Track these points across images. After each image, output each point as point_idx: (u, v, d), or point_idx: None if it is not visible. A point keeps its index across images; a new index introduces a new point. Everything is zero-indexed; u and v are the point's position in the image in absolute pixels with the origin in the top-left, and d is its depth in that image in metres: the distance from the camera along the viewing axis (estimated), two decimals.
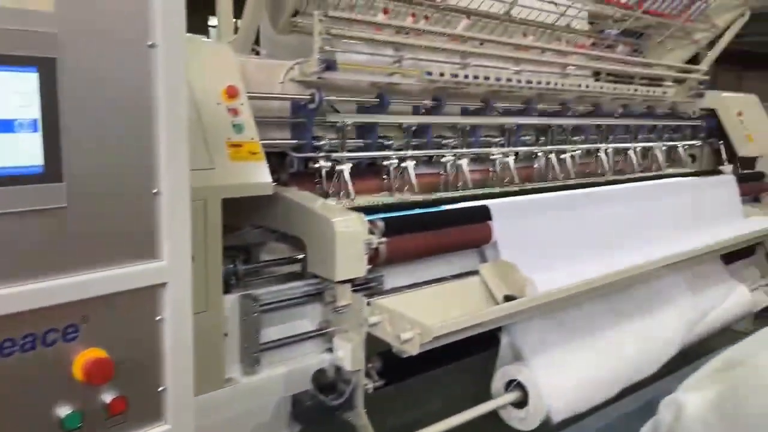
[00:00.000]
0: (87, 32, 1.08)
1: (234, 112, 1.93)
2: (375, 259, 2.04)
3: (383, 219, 2.11)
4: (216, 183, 1.79)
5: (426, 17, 2.95)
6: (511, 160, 3.17)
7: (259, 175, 1.92)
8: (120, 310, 1.15)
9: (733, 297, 3.71)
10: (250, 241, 2.22)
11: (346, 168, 2.48)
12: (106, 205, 1.12)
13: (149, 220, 1.17)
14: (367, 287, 2.18)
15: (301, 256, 2.09)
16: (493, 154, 3.12)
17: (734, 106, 4.40)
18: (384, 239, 2.02)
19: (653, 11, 3.78)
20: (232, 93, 1.94)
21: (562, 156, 3.46)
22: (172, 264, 1.22)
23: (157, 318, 1.23)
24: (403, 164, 2.72)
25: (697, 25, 4.26)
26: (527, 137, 3.37)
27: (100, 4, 1.08)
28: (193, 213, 1.73)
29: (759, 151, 4.35)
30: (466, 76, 2.79)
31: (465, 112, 3.04)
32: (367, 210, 2.20)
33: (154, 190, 1.17)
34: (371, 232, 2.00)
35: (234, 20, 2.49)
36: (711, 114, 4.44)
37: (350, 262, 1.95)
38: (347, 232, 1.94)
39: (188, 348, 1.24)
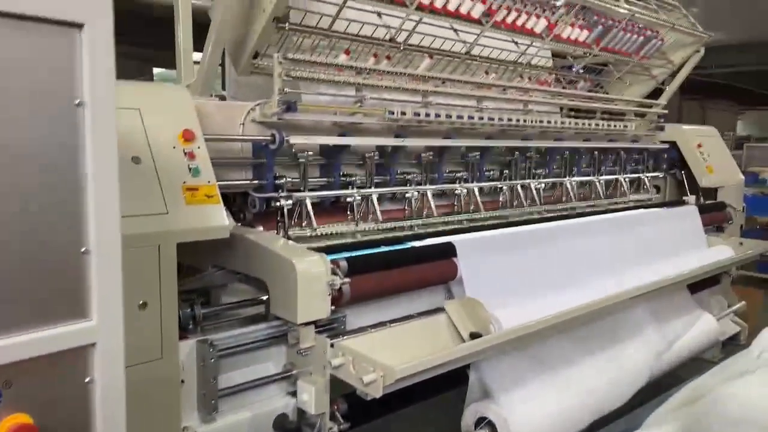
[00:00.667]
0: (7, 89, 1.05)
1: (190, 155, 1.93)
2: (339, 299, 2.02)
3: (346, 258, 2.10)
4: (170, 228, 1.77)
5: (388, 57, 3.00)
6: (475, 189, 3.20)
7: (216, 219, 1.90)
8: (46, 373, 1.10)
9: (699, 326, 3.75)
10: (213, 283, 2.20)
11: (308, 204, 2.48)
12: (31, 265, 1.09)
13: (77, 279, 1.14)
14: (331, 328, 2.16)
15: (264, 298, 2.06)
16: (457, 190, 3.15)
17: (694, 139, 4.52)
18: (347, 280, 2.00)
19: (610, 49, 3.90)
20: (188, 136, 1.94)
21: (527, 189, 3.51)
22: (102, 323, 1.18)
23: (87, 379, 1.18)
24: (367, 197, 2.73)
25: (654, 61, 4.40)
26: (491, 172, 3.41)
27: (24, 61, 1.05)
28: (147, 258, 1.74)
29: (719, 182, 4.46)
30: (428, 115, 2.83)
31: (428, 148, 3.07)
32: (330, 249, 2.19)
33: (83, 249, 1.13)
34: (334, 273, 1.98)
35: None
36: (672, 146, 4.56)
37: (313, 304, 1.93)
38: (309, 273, 1.91)
39: (121, 408, 1.20)
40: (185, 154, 1.92)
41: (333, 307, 2.01)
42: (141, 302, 1.72)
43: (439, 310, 2.44)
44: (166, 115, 1.94)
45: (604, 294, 2.89)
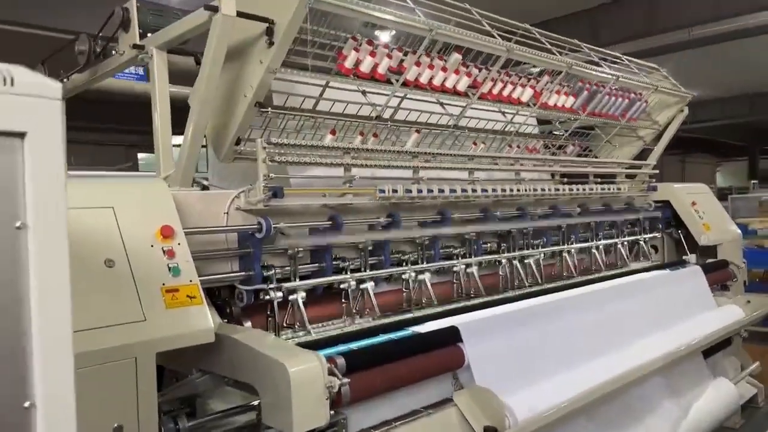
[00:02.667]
0: None
1: (170, 253, 1.78)
2: (338, 402, 1.81)
3: (344, 354, 1.92)
4: (148, 337, 1.60)
5: (375, 134, 2.92)
6: (474, 269, 3.06)
7: (199, 322, 1.73)
8: None
9: (717, 392, 3.56)
10: (199, 389, 1.99)
11: (299, 297, 2.32)
12: None
13: None
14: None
15: (255, 403, 1.86)
16: (455, 266, 3.01)
17: (687, 197, 4.47)
18: (346, 380, 1.80)
19: (597, 113, 3.88)
20: (166, 233, 1.79)
21: (526, 261, 3.38)
22: None
23: None
24: (362, 285, 2.58)
25: (640, 123, 4.40)
26: (488, 245, 3.29)
27: None
28: (122, 374, 1.55)
29: (718, 239, 4.37)
30: (420, 191, 2.73)
31: (422, 225, 2.95)
32: (325, 343, 2.02)
33: (26, 403, 0.91)
34: (331, 373, 1.78)
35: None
36: (666, 204, 4.49)
37: (310, 411, 1.71)
38: (304, 376, 1.70)
39: None
40: (164, 252, 1.77)
41: (332, 411, 1.81)
42: (115, 426, 1.52)
43: (447, 401, 2.25)
44: (143, 212, 1.80)
45: (619, 368, 2.72)
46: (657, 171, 4.49)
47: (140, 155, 11.24)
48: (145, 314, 1.63)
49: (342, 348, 2.03)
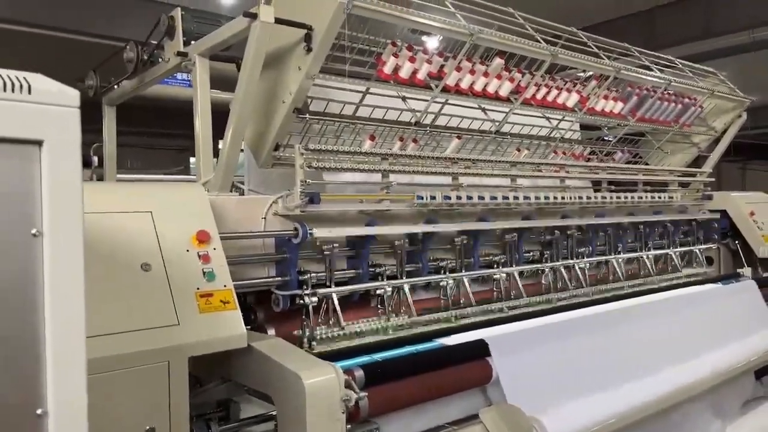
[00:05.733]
0: None
1: (205, 258, 1.79)
2: (355, 416, 1.76)
3: (364, 366, 1.87)
4: (181, 341, 1.61)
5: (414, 140, 2.90)
6: (515, 273, 2.98)
7: (232, 327, 1.74)
8: None
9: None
10: (227, 395, 2.00)
11: (335, 295, 2.30)
12: None
13: None
14: None
15: (275, 413, 1.85)
16: (495, 274, 2.94)
17: (745, 206, 4.25)
18: (363, 394, 1.74)
19: (647, 119, 3.74)
20: (202, 238, 1.81)
21: (571, 270, 3.28)
22: None
23: None
24: (397, 283, 2.54)
25: (695, 128, 4.21)
26: (530, 253, 3.20)
27: None
28: (155, 377, 1.57)
29: None
30: (459, 198, 2.68)
31: (461, 232, 2.90)
32: (344, 354, 1.98)
33: (38, 411, 0.91)
34: (348, 386, 1.73)
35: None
36: (722, 214, 4.29)
37: (324, 425, 1.66)
38: (320, 388, 1.66)
39: None
40: (199, 257, 1.79)
41: (349, 426, 1.77)
42: (148, 428, 1.54)
43: (473, 417, 2.17)
44: (180, 216, 1.83)
45: (663, 388, 2.59)
46: (713, 179, 4.29)
47: (192, 159, 11.51)
48: (179, 318, 1.65)
49: (364, 359, 1.99)
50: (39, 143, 0.91)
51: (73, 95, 0.91)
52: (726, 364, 2.90)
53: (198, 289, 1.73)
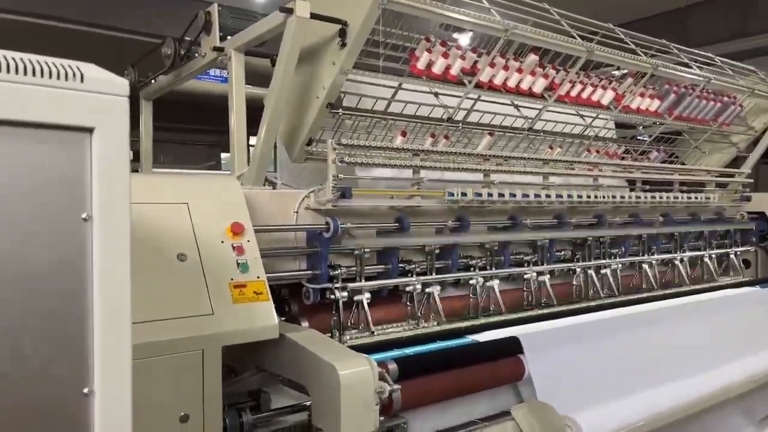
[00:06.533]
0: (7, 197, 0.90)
1: (239, 250, 1.82)
2: (389, 408, 1.78)
3: (397, 359, 1.88)
4: (215, 330, 1.64)
5: (446, 136, 2.89)
6: (546, 278, 2.96)
7: (264, 318, 1.76)
8: None
9: None
10: (259, 385, 2.03)
11: (364, 298, 2.32)
12: (25, 406, 0.90)
13: (77, 425, 0.94)
14: None
15: (307, 403, 1.87)
16: (526, 274, 2.92)
17: None
18: (397, 386, 1.76)
19: (685, 117, 3.66)
20: (237, 230, 1.84)
21: (602, 271, 3.23)
22: None
23: None
24: (427, 290, 2.55)
25: (734, 128, 4.11)
26: (562, 252, 3.17)
27: (22, 170, 0.91)
28: (189, 365, 1.60)
29: None
30: (490, 195, 2.66)
31: (492, 230, 2.88)
32: (378, 347, 1.99)
33: (85, 390, 0.94)
34: (382, 378, 1.75)
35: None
36: (761, 217, 4.17)
37: (358, 415, 1.68)
38: (354, 379, 1.68)
39: None
40: (234, 248, 1.82)
41: (382, 417, 1.78)
42: (182, 414, 1.57)
43: (505, 414, 2.17)
44: (215, 208, 1.85)
45: (697, 391, 2.54)
46: (751, 180, 4.18)
47: (223, 154, 11.69)
48: (213, 308, 1.68)
49: (397, 353, 2.00)
50: (90, 130, 0.94)
51: (122, 84, 0.93)
52: (762, 368, 2.82)
53: (232, 279, 1.76)
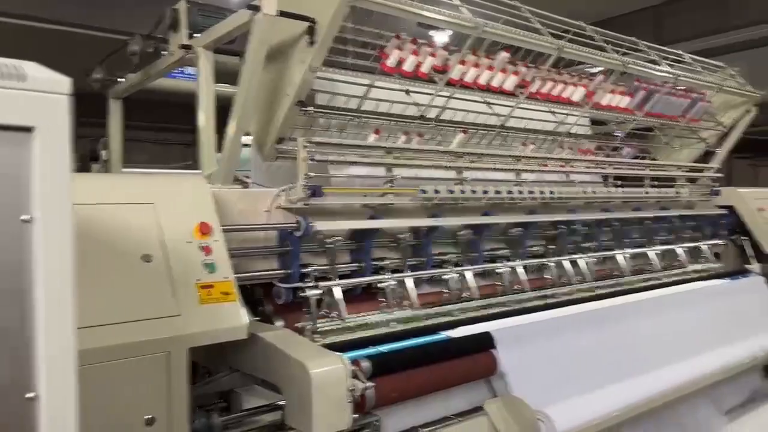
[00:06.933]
0: None
1: (206, 250, 1.80)
2: (362, 406, 1.79)
3: (370, 357, 1.89)
4: (180, 332, 1.62)
5: (419, 134, 2.89)
6: (520, 270, 2.97)
7: (232, 318, 1.75)
8: None
9: None
10: (231, 385, 2.01)
11: (337, 288, 2.31)
12: None
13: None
14: None
15: (281, 403, 1.86)
16: (499, 269, 2.93)
17: (754, 202, 4.21)
18: (370, 384, 1.77)
19: (655, 113, 3.71)
20: (204, 230, 1.82)
21: (575, 265, 3.25)
22: None
23: None
24: (400, 275, 2.54)
25: (703, 124, 4.18)
26: (535, 248, 3.19)
27: None
28: (154, 367, 1.58)
29: None
30: (463, 192, 2.67)
31: (466, 226, 2.89)
32: (352, 345, 1.99)
33: (29, 395, 0.92)
34: (355, 376, 1.76)
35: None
36: (730, 210, 4.25)
37: (331, 414, 1.69)
38: (326, 379, 1.69)
39: None
40: (201, 248, 1.80)
41: (356, 415, 1.78)
42: (147, 417, 1.55)
43: (479, 409, 2.18)
44: (182, 208, 1.83)
45: (669, 382, 2.59)
46: (721, 175, 4.25)
47: None
48: (179, 309, 1.66)
49: (370, 351, 2.00)
50: (30, 130, 0.91)
51: (63, 82, 0.91)
52: (733, 359, 2.88)
53: (199, 280, 1.74)
